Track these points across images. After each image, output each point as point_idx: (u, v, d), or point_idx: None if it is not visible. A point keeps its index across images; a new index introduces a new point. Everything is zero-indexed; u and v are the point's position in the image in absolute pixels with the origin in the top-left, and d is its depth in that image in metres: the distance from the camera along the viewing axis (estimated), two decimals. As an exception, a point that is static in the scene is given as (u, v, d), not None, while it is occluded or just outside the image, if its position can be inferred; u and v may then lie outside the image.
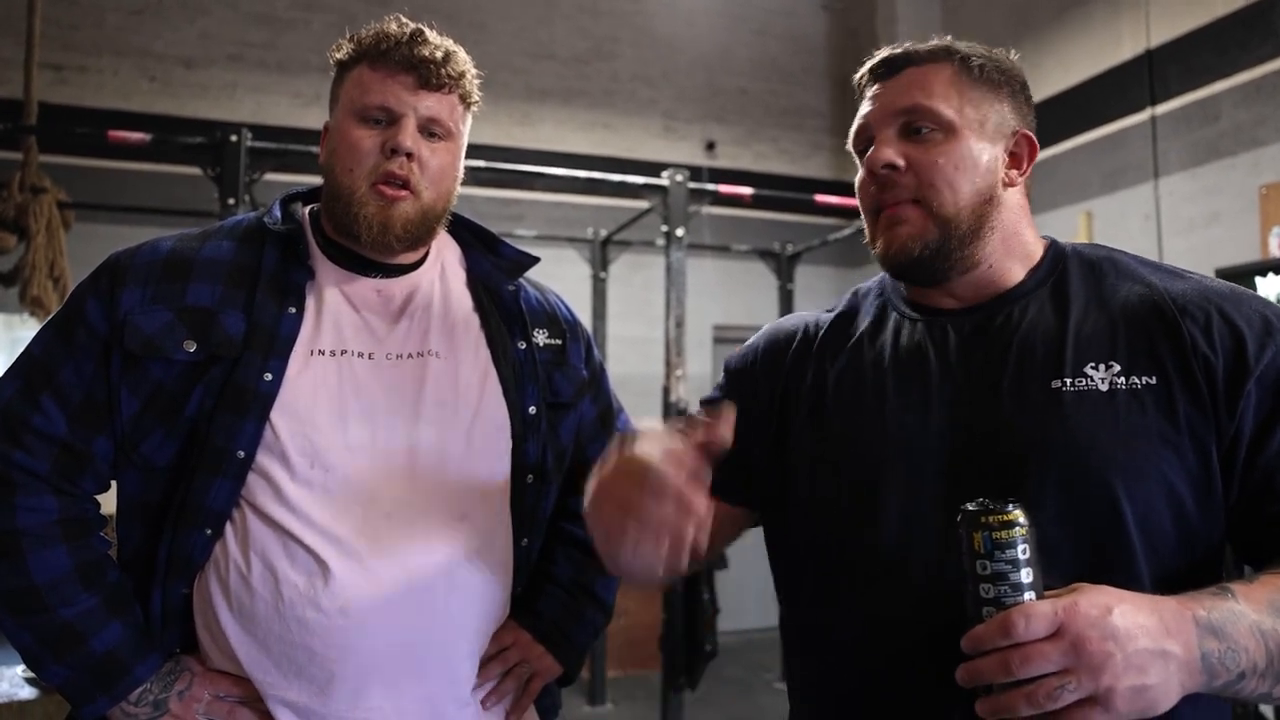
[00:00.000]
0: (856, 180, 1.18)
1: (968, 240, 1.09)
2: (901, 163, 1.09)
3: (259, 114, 6.06)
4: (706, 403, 1.32)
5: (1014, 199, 1.13)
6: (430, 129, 1.31)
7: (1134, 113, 5.09)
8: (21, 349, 1.28)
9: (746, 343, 1.35)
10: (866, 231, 1.17)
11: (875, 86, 1.15)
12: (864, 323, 1.21)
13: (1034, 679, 0.80)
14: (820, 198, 4.95)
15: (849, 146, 1.20)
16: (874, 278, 1.31)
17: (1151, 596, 0.85)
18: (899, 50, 1.15)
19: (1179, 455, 0.97)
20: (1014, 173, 1.13)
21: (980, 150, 1.10)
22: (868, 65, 1.17)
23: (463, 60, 1.34)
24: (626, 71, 7.11)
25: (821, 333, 1.24)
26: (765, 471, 1.22)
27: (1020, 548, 0.84)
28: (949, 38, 1.17)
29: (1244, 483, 0.98)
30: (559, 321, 1.52)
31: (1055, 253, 1.15)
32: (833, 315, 1.26)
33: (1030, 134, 1.15)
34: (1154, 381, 0.99)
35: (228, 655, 1.22)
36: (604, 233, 6.01)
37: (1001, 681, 0.82)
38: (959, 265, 1.10)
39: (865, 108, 1.16)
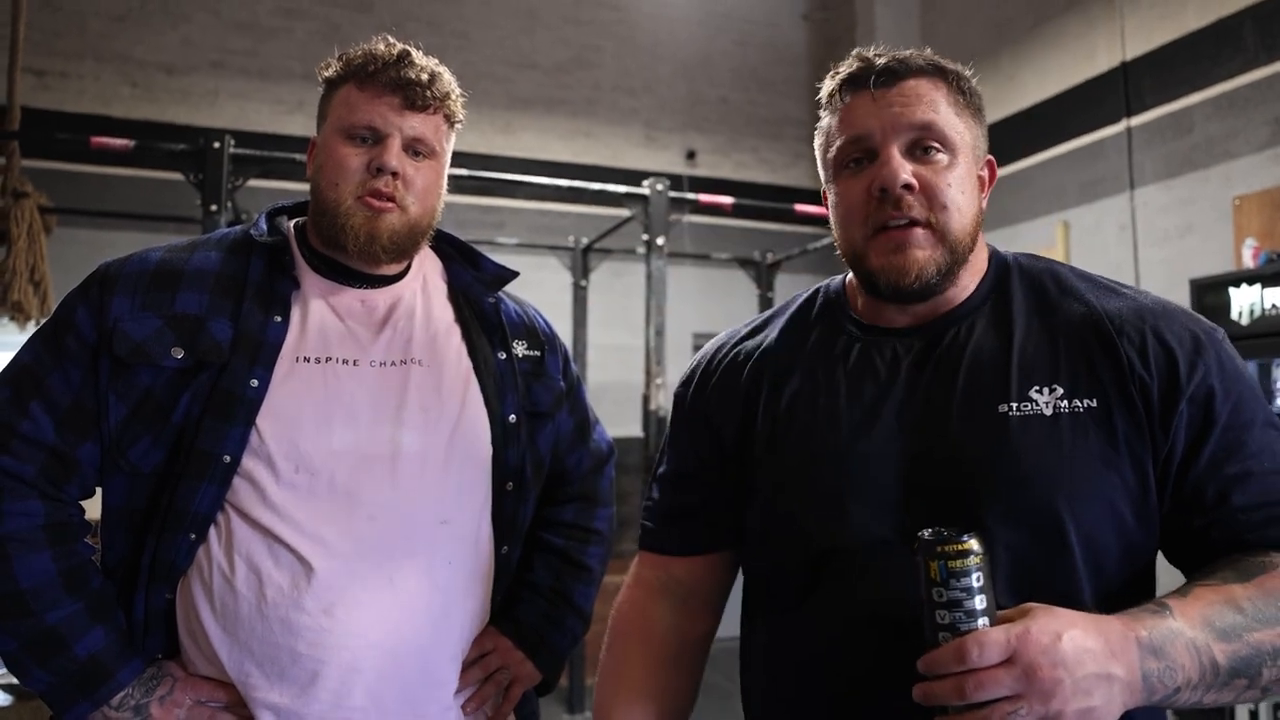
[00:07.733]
0: (839, 191, 1.13)
1: (963, 262, 1.10)
2: (916, 183, 1.06)
3: (240, 120, 6.03)
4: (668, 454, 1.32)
5: (980, 218, 1.14)
6: (415, 148, 1.34)
7: (1109, 124, 5.14)
8: (2, 352, 1.29)
9: (694, 371, 1.32)
10: (846, 245, 1.13)
11: (872, 93, 1.09)
12: (811, 339, 1.21)
13: (987, 702, 0.83)
14: (800, 207, 4.97)
15: (830, 154, 1.14)
16: (811, 287, 1.30)
17: (1097, 618, 0.89)
18: (895, 57, 1.10)
19: (1119, 474, 1.01)
20: (982, 195, 1.15)
21: (972, 174, 1.11)
22: (855, 69, 1.11)
23: (448, 81, 1.38)
24: (608, 81, 7.13)
25: (771, 353, 1.23)
26: (732, 508, 1.23)
27: (975, 575, 0.86)
28: (928, 50, 1.13)
29: (1175, 496, 1.02)
30: (537, 334, 1.55)
31: (998, 263, 1.17)
32: (778, 331, 1.25)
33: (992, 159, 1.17)
34: (1094, 405, 1.02)
35: (210, 659, 1.24)
36: (585, 241, 6.01)
37: (956, 704, 0.85)
38: (947, 285, 1.11)
39: (861, 116, 1.10)
